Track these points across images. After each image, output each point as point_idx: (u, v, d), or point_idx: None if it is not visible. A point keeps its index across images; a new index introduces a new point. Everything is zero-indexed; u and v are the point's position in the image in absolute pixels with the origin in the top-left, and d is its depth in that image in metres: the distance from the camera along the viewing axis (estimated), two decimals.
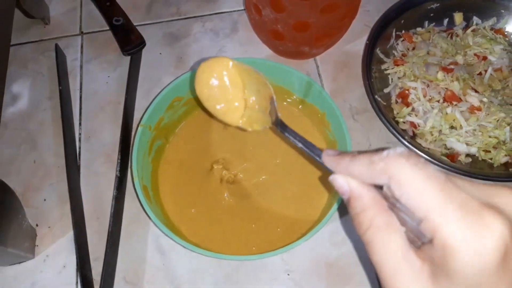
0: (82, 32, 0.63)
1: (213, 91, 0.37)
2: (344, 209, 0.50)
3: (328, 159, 0.26)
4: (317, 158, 0.28)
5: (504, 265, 0.19)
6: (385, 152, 0.22)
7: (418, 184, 0.20)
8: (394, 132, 0.49)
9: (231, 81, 0.36)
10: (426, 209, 0.20)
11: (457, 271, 0.19)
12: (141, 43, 0.59)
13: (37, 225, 0.50)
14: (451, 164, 0.49)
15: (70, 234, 0.49)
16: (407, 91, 0.54)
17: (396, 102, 0.55)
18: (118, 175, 0.50)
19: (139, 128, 0.46)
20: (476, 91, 0.51)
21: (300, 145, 0.31)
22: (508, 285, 0.19)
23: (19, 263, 0.48)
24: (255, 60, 0.51)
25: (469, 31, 0.57)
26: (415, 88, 0.53)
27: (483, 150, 0.51)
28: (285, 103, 0.54)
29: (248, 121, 0.37)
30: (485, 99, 0.51)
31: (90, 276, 0.47)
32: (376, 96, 0.52)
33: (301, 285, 0.47)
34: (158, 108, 0.48)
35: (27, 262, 0.48)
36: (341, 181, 0.24)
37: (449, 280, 0.20)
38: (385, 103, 0.53)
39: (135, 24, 0.61)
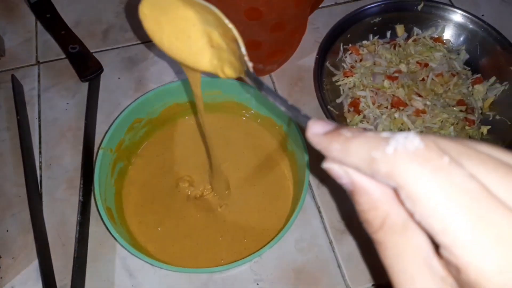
0: (38, 62, 0.63)
1: (168, 34, 0.31)
2: (308, 213, 0.52)
3: (315, 140, 0.19)
4: (303, 125, 0.21)
5: None
6: (391, 146, 0.15)
7: (440, 202, 0.14)
8: None
9: (181, 14, 0.30)
10: (451, 239, 0.15)
11: None
12: (99, 69, 0.60)
13: (0, 256, 0.49)
14: None
15: (35, 263, 0.49)
16: (357, 100, 0.57)
17: (349, 111, 0.58)
18: (81, 200, 0.50)
19: (100, 151, 0.47)
20: (420, 96, 0.55)
21: (283, 108, 0.24)
22: None
23: None
24: (212, 78, 0.53)
25: (410, 41, 0.61)
26: (364, 97, 0.56)
27: None
28: (243, 118, 0.56)
29: (219, 63, 0.31)
30: (428, 103, 0.54)
31: None
32: (329, 107, 0.55)
33: None
34: (118, 131, 0.49)
35: None
36: (339, 172, 0.18)
37: None
38: (337, 113, 0.56)
39: (92, 51, 0.62)
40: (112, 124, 0.49)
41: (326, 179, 0.55)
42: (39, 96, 0.60)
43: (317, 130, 0.19)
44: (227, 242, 0.49)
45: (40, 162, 0.55)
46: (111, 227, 0.43)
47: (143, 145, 0.54)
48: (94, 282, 0.48)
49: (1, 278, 0.48)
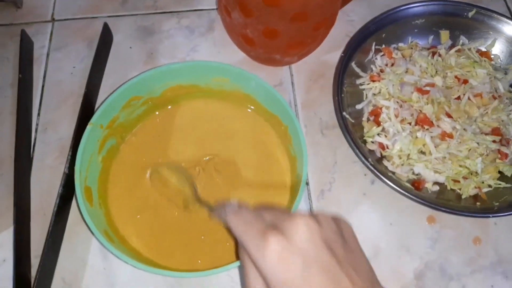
0: (53, 19, 0.60)
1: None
2: None
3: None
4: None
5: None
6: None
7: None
8: (358, 153, 0.47)
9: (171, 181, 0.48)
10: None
11: None
12: None
13: None
14: (415, 192, 0.46)
15: (12, 229, 0.48)
16: (379, 110, 0.51)
17: (368, 120, 0.52)
18: (66, 172, 0.47)
19: (88, 127, 0.44)
20: (450, 117, 0.49)
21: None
22: None
23: None
24: (219, 64, 0.48)
25: (453, 51, 0.54)
26: (387, 107, 0.50)
27: (452, 180, 0.48)
28: (249, 110, 0.52)
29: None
30: (458, 126, 0.48)
31: (26, 273, 0.45)
32: (344, 113, 0.49)
33: None
34: (112, 107, 0.46)
35: None
36: None
37: None
38: (353, 121, 0.50)
39: (109, 15, 0.59)
40: (105, 99, 0.46)
41: (327, 192, 0.50)
42: (48, 55, 0.58)
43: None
44: (208, 243, 0.46)
45: (37, 125, 0.54)
46: (85, 211, 0.41)
47: (139, 124, 0.51)
48: (67, 259, 0.47)
49: None
